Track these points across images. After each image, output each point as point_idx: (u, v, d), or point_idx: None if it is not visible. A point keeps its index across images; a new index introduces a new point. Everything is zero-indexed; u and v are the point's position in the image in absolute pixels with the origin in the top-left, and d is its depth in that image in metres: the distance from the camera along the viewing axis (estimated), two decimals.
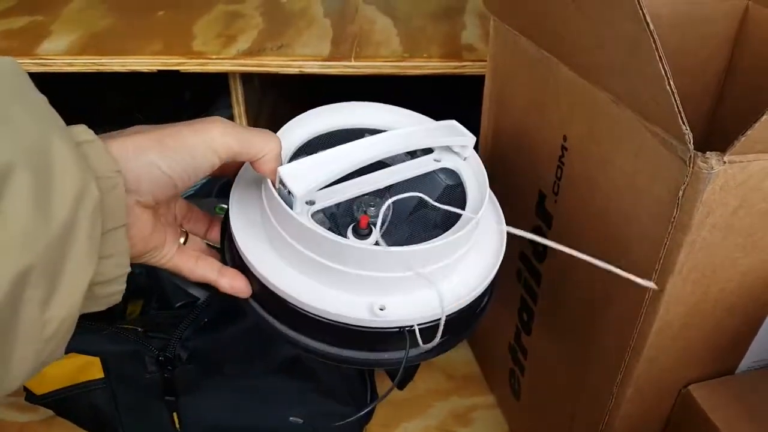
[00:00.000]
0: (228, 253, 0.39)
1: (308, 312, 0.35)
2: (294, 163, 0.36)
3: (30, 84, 0.24)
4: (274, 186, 0.35)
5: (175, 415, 0.57)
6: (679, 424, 0.44)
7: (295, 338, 0.37)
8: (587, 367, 0.45)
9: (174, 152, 0.30)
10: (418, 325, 0.36)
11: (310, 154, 0.38)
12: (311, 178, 0.35)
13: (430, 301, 0.36)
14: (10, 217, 0.20)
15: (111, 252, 0.26)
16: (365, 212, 0.38)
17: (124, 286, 0.28)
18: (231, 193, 0.39)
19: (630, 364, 0.40)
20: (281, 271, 0.36)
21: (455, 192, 0.41)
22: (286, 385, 0.58)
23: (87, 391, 0.58)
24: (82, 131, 0.26)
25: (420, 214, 0.40)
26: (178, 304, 0.55)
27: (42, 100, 0.24)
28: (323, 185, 0.36)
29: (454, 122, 0.43)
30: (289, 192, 0.35)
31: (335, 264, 0.35)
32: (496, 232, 0.41)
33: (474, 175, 0.41)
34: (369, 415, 0.67)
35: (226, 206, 0.39)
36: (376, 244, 0.36)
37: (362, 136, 0.39)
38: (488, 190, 0.39)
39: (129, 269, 0.28)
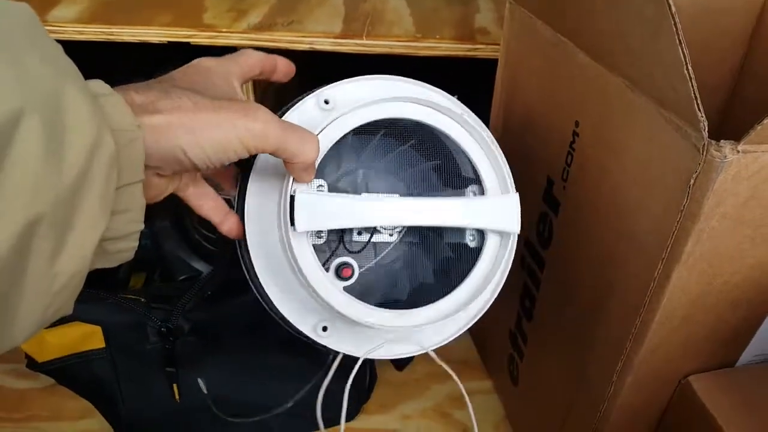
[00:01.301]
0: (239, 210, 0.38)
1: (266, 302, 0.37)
2: (315, 194, 0.35)
3: (44, 31, 0.24)
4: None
5: (175, 386, 0.57)
6: (676, 414, 0.44)
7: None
8: (588, 355, 0.45)
9: (205, 143, 0.29)
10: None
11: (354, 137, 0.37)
12: (320, 221, 0.34)
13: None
14: (20, 164, 0.20)
15: (125, 207, 0.26)
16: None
17: (136, 243, 0.28)
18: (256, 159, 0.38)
19: (631, 353, 0.40)
20: (267, 255, 0.37)
21: (469, 254, 0.39)
22: (286, 361, 0.59)
23: (88, 361, 0.58)
24: (99, 85, 0.26)
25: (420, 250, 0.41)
26: (181, 278, 0.55)
27: (57, 47, 0.24)
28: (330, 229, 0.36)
29: (515, 198, 0.38)
30: (292, 221, 0.34)
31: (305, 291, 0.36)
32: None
33: (495, 256, 0.39)
34: (367, 396, 0.67)
35: None
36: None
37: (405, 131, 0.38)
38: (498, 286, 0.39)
39: (142, 226, 0.27)
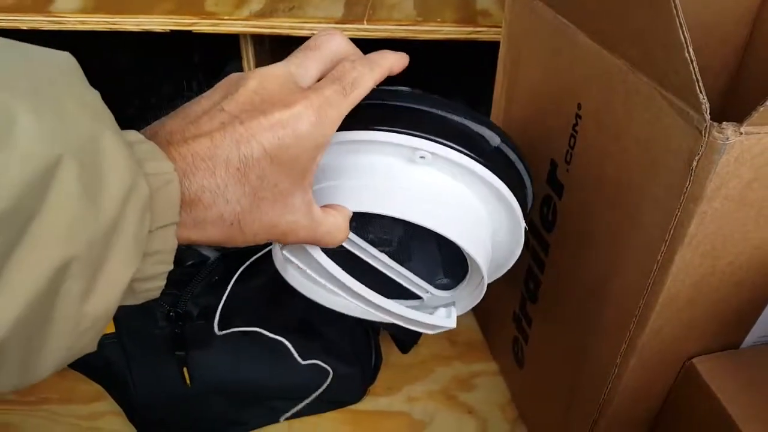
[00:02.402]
0: None
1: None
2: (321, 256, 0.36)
3: (84, 79, 0.24)
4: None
5: (185, 370, 0.57)
6: (681, 395, 0.44)
7: None
8: (591, 337, 0.46)
9: (239, 243, 0.30)
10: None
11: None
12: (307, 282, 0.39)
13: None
14: (56, 208, 0.20)
15: (157, 249, 0.26)
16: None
17: (164, 283, 0.27)
18: None
19: (634, 335, 0.40)
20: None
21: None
22: (295, 345, 0.59)
23: (99, 345, 0.59)
24: (133, 133, 0.26)
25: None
26: (188, 263, 0.56)
27: (95, 95, 0.24)
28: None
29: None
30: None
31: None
32: None
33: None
34: (373, 377, 0.68)
35: None
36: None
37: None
38: None
39: (171, 267, 0.27)
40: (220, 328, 0.56)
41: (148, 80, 0.94)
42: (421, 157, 0.34)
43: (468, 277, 0.41)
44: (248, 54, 0.67)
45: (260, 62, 0.69)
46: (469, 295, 0.42)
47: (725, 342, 0.43)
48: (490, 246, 0.39)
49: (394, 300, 0.39)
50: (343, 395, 0.66)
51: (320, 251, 0.36)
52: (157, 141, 0.27)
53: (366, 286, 0.38)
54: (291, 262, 0.37)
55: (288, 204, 0.30)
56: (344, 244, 0.39)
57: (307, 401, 0.64)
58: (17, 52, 0.23)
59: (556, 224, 0.48)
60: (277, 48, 0.77)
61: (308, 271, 0.37)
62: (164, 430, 0.62)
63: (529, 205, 0.41)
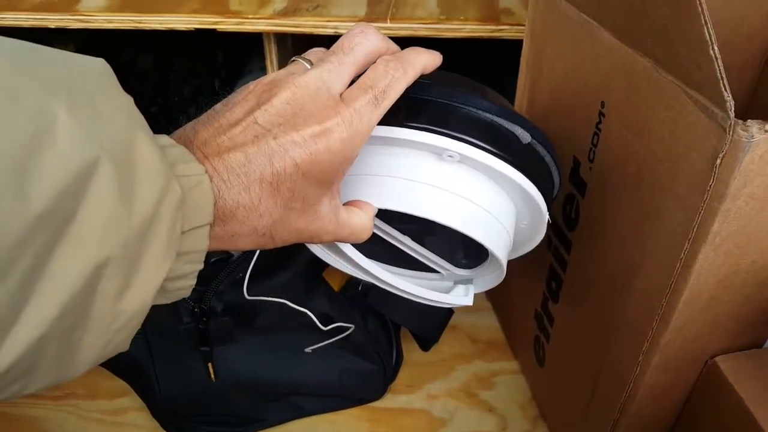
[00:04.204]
0: None
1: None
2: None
3: (118, 84, 0.25)
4: None
5: (210, 366, 0.58)
6: (703, 394, 0.44)
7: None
8: (614, 336, 0.45)
9: (268, 248, 0.31)
10: None
11: None
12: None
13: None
14: (93, 210, 0.21)
15: (189, 249, 0.26)
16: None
17: (194, 282, 0.28)
18: None
19: (657, 334, 0.40)
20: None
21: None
22: (315, 342, 0.60)
23: None
24: (164, 137, 0.27)
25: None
26: (213, 260, 0.57)
27: (129, 99, 0.25)
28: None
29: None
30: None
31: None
32: None
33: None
34: (394, 375, 0.68)
35: None
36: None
37: None
38: None
39: (202, 266, 0.28)
40: (244, 325, 0.57)
41: (170, 79, 0.95)
42: (450, 156, 0.34)
43: (488, 260, 0.41)
44: (271, 53, 0.68)
45: (283, 61, 0.70)
46: (488, 276, 0.43)
47: (748, 341, 0.42)
48: (512, 237, 0.39)
49: (415, 271, 0.41)
50: (364, 392, 0.66)
51: None
52: (192, 149, 0.27)
53: (387, 255, 0.39)
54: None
55: (316, 211, 0.31)
56: None
57: (327, 398, 0.64)
58: (54, 58, 0.23)
59: (579, 223, 0.48)
60: (300, 46, 0.78)
61: (332, 255, 0.39)
62: (187, 425, 0.63)
63: (554, 196, 0.42)
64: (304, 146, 0.28)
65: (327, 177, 0.30)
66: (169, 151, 0.26)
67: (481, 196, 0.36)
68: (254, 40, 0.67)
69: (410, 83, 0.32)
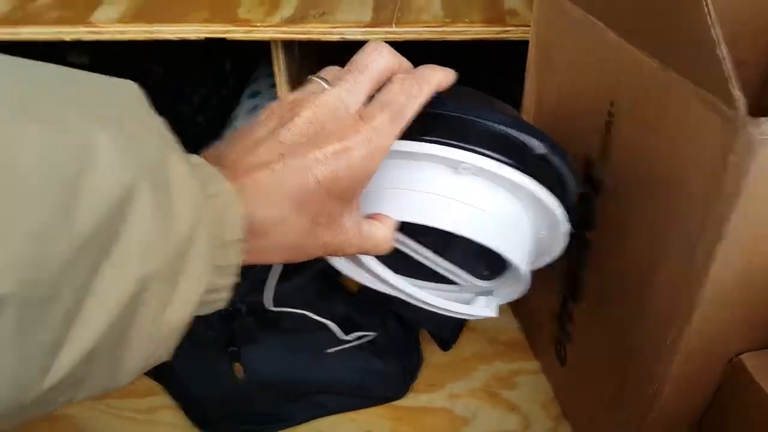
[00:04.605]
0: None
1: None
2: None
3: (149, 106, 0.26)
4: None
5: (238, 366, 0.60)
6: (729, 391, 0.44)
7: None
8: (636, 334, 0.45)
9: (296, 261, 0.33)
10: None
11: None
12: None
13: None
14: (134, 229, 0.22)
15: (224, 264, 0.27)
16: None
17: (230, 293, 0.29)
18: None
19: (680, 332, 0.40)
20: None
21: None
22: (337, 343, 0.60)
23: None
24: (195, 157, 0.28)
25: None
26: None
27: (161, 121, 0.26)
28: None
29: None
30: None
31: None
32: None
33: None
34: (414, 375, 0.69)
35: None
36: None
37: None
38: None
39: (237, 279, 0.29)
40: (268, 326, 0.58)
41: (179, 88, 0.96)
42: (465, 168, 0.35)
43: (509, 271, 0.42)
44: (279, 60, 0.68)
45: (290, 68, 0.70)
46: (509, 287, 0.43)
47: None
48: (533, 247, 0.40)
49: (435, 283, 0.41)
50: (386, 392, 0.66)
51: None
52: (220, 168, 0.29)
53: (406, 267, 0.40)
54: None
55: (340, 226, 0.32)
56: None
57: (350, 396, 0.65)
58: (87, 82, 0.24)
59: (596, 221, 0.48)
60: (306, 53, 0.78)
61: (353, 267, 0.40)
62: (218, 423, 0.64)
63: (574, 206, 0.41)
64: (326, 163, 0.29)
65: (348, 192, 0.31)
66: (200, 171, 0.27)
67: (498, 207, 0.36)
68: (261, 47, 0.67)
69: (426, 101, 0.33)
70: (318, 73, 0.33)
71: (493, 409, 0.66)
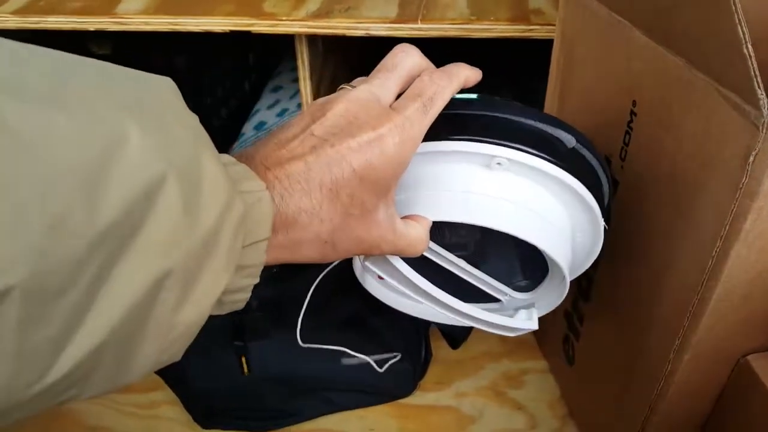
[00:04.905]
0: None
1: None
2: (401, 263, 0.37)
3: (183, 103, 0.26)
4: None
5: (243, 359, 0.60)
6: (735, 392, 0.44)
7: None
8: (645, 334, 0.45)
9: (331, 259, 0.32)
10: None
11: None
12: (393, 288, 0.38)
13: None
14: (158, 222, 0.22)
15: (247, 264, 0.27)
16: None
17: (249, 295, 0.29)
18: None
19: (688, 331, 0.40)
20: None
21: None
22: (348, 339, 0.61)
23: None
24: (227, 156, 0.28)
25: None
26: None
27: (194, 118, 0.26)
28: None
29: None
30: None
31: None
32: None
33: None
34: (423, 372, 0.69)
35: None
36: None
37: None
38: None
39: (258, 280, 0.29)
40: (278, 321, 0.58)
41: (203, 81, 0.97)
42: (498, 163, 0.35)
43: (548, 278, 0.41)
44: (303, 54, 0.69)
45: (313, 63, 0.71)
46: (549, 295, 0.42)
47: None
48: (571, 247, 0.39)
49: (473, 304, 0.40)
50: (394, 389, 0.67)
51: (400, 260, 0.36)
52: (253, 165, 0.29)
53: (443, 290, 0.38)
54: (371, 271, 0.37)
55: (374, 219, 0.32)
56: None
57: (358, 393, 0.65)
58: (126, 76, 0.24)
59: (611, 220, 0.48)
60: (329, 48, 0.79)
61: (388, 280, 0.38)
62: (220, 419, 0.65)
63: (606, 203, 0.41)
64: (360, 152, 0.29)
65: (382, 182, 0.31)
66: (231, 169, 0.27)
67: (536, 202, 0.36)
68: (285, 41, 0.68)
69: (455, 92, 0.33)
70: (348, 83, 0.34)
71: (500, 408, 0.66)
